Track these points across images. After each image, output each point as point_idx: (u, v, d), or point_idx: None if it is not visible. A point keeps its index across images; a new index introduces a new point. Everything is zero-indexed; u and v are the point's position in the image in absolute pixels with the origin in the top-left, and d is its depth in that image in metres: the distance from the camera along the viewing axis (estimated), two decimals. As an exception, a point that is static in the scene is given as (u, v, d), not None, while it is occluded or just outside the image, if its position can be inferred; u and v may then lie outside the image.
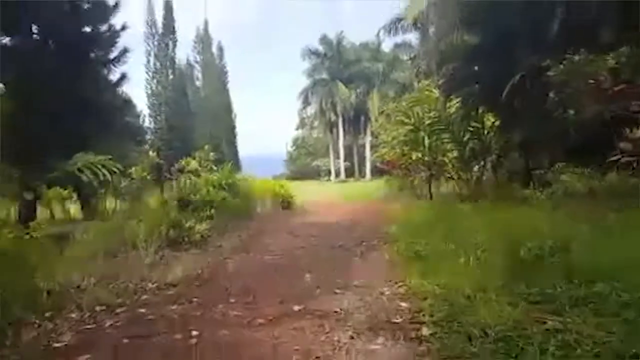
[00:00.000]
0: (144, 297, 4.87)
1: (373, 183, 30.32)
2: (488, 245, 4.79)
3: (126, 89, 38.21)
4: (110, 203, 11.81)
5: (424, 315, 3.72)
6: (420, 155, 15.31)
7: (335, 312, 3.99)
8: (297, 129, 46.37)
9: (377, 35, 35.80)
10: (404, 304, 4.05)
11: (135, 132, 36.02)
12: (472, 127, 14.64)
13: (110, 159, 9.99)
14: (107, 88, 12.70)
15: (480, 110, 13.84)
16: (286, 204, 14.50)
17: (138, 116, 41.93)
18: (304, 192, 19.58)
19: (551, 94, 10.59)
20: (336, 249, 7.06)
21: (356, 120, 37.76)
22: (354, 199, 18.45)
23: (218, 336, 3.65)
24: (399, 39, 29.18)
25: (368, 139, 36.97)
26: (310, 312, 4.00)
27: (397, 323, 3.67)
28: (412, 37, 28.38)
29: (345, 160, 38.21)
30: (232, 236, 8.33)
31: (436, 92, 15.43)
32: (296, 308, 4.15)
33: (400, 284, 4.64)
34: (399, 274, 5.03)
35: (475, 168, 15.11)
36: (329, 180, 37.75)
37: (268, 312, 4.09)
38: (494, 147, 14.26)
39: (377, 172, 36.72)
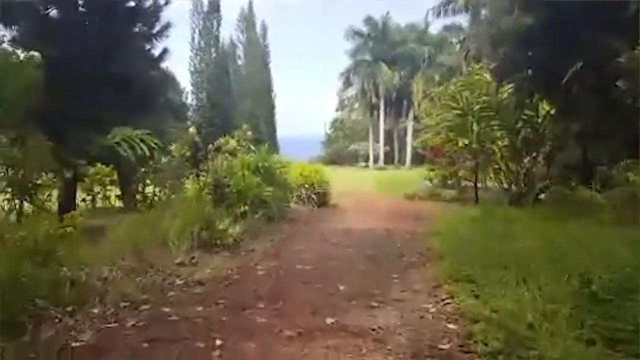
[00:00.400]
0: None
1: (413, 172, 29.37)
2: (551, 271, 4.06)
3: (170, 66, 38.89)
4: (149, 187, 11.56)
5: (476, 342, 3.20)
6: (467, 142, 14.43)
7: (373, 330, 3.54)
8: (336, 110, 45.61)
9: (425, 17, 34.61)
10: (451, 326, 3.55)
11: (177, 108, 36.69)
12: (525, 114, 13.65)
13: (148, 133, 9.74)
14: (149, 63, 12.55)
15: (534, 98, 12.82)
16: (321, 197, 13.95)
17: (181, 93, 42.69)
18: (341, 181, 19.08)
19: (619, 82, 9.53)
20: (373, 262, 6.40)
21: (398, 103, 36.61)
22: (395, 193, 17.71)
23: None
24: (448, 21, 27.78)
25: (410, 123, 35.82)
26: (344, 329, 3.56)
27: (445, 350, 3.18)
28: (462, 20, 26.99)
29: (384, 145, 37.27)
30: (265, 239, 7.87)
31: (487, 77, 14.42)
32: (329, 321, 3.72)
33: (447, 301, 4.12)
34: (445, 291, 4.48)
35: (526, 160, 14.15)
36: (366, 166, 36.97)
37: (298, 323, 3.69)
38: (548, 136, 13.23)
39: (417, 159, 35.68)
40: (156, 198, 10.75)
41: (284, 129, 48.64)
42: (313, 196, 13.76)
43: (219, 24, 42.89)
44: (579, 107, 11.27)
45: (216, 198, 8.37)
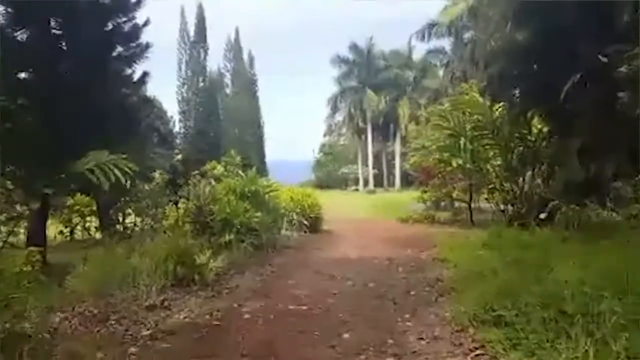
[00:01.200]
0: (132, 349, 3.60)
1: (403, 195, 28.64)
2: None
3: (157, 95, 38.04)
4: (131, 217, 10.56)
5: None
6: (461, 162, 13.71)
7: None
8: (325, 135, 45.13)
9: (409, 42, 34.62)
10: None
11: (164, 136, 35.63)
12: (519, 132, 13.03)
13: (124, 158, 8.75)
14: (128, 86, 11.68)
15: (527, 115, 12.23)
16: (314, 222, 13.06)
17: (168, 122, 41.94)
18: (332, 205, 18.21)
19: (621, 93, 8.90)
20: (378, 298, 5.43)
21: (385, 127, 36.21)
22: (388, 216, 16.85)
23: None
24: (431, 45, 27.65)
25: (397, 146, 35.33)
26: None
27: None
28: (446, 43, 26.85)
29: (373, 168, 36.63)
30: (252, 273, 6.91)
31: (477, 95, 13.85)
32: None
33: (479, 353, 3.20)
34: (472, 338, 3.56)
35: (521, 179, 13.44)
36: (357, 189, 36.20)
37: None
38: (545, 154, 12.59)
39: (406, 181, 35.05)
40: (137, 228, 9.74)
41: (272, 154, 47.92)
42: (305, 222, 12.85)
43: (205, 53, 42.63)
44: (579, 121, 10.66)
45: (197, 227, 7.39)
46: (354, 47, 34.22)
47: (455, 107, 14.55)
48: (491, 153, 14.06)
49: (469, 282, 5.14)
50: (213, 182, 9.43)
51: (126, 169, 8.63)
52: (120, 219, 10.55)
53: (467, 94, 14.09)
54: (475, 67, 22.27)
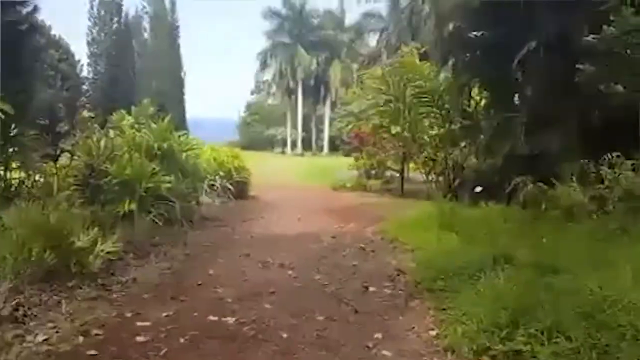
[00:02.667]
0: None
1: (332, 160, 27.65)
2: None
3: (63, 35, 32.85)
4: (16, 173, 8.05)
5: None
6: (399, 129, 12.71)
7: None
8: (252, 93, 42.41)
9: (340, 4, 32.89)
10: None
11: (66, 77, 30.99)
12: (460, 103, 12.28)
13: None
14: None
15: (472, 83, 11.44)
16: (240, 188, 11.42)
17: (74, 65, 36.68)
18: (259, 169, 16.56)
19: (583, 66, 8.17)
20: (330, 301, 4.06)
21: (316, 89, 34.62)
22: (319, 183, 15.59)
23: None
24: (367, 6, 26.12)
25: (327, 110, 34.05)
26: None
27: None
28: (382, 8, 25.51)
29: (302, 131, 35.11)
30: (158, 258, 5.24)
31: (417, 59, 12.78)
32: None
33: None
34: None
35: (456, 150, 12.82)
36: (284, 152, 34.57)
37: None
38: (485, 126, 11.99)
39: (334, 146, 34.10)
40: (24, 186, 7.41)
41: (195, 110, 44.37)
42: (230, 187, 11.15)
43: (121, -9, 37.29)
44: (528, 93, 10.00)
45: (86, 192, 5.47)
46: (286, 1, 31.66)
47: (395, 71, 13.41)
48: (427, 122, 13.27)
49: (444, 280, 3.99)
50: (112, 135, 7.34)
51: (-5, 111, 6.30)
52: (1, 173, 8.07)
53: (409, 56, 12.92)
54: (412, 34, 21.39)
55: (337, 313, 3.69)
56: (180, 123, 36.88)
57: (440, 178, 13.10)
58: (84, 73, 37.48)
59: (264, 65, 33.49)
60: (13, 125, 8.05)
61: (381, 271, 4.87)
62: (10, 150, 7.97)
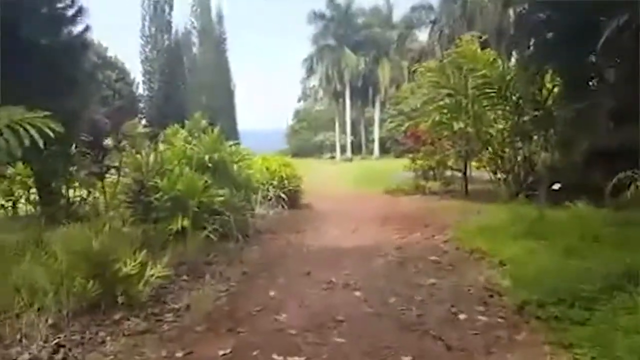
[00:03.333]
0: None
1: (384, 163, 26.76)
2: None
3: (120, 57, 34.46)
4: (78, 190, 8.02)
5: None
6: (462, 125, 11.74)
7: None
8: (299, 100, 42.38)
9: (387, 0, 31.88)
10: None
11: (123, 97, 32.30)
12: (531, 92, 11.14)
13: (46, 116, 6.28)
14: (58, 25, 8.97)
15: (544, 71, 10.29)
16: (293, 196, 11.00)
17: (131, 84, 38.44)
18: (311, 177, 16.09)
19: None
20: (414, 334, 3.33)
21: (364, 91, 33.83)
22: (373, 188, 14.84)
23: None
24: (415, 1, 25.04)
25: (377, 112, 33.18)
26: None
27: None
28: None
29: (351, 135, 34.42)
30: (214, 279, 4.77)
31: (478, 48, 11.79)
32: None
33: None
34: None
35: (526, 147, 11.63)
36: (333, 157, 34.04)
37: None
38: (560, 116, 10.80)
39: (385, 149, 33.12)
40: (87, 204, 7.36)
41: (245, 122, 45.01)
42: (282, 196, 10.74)
43: (170, 8, 38.59)
44: (610, 77, 8.79)
45: (137, 210, 5.17)
46: (331, 2, 31.23)
47: (454, 62, 12.46)
48: (492, 115, 12.19)
49: (556, 304, 3.18)
50: (162, 148, 7.09)
51: (48, 130, 6.18)
52: (64, 191, 8.11)
53: (471, 45, 11.92)
54: (467, 24, 20.17)
55: (424, 350, 2.97)
56: (231, 135, 37.44)
57: (509, 176, 11.97)
58: (140, 91, 39.29)
59: (310, 71, 33.25)
60: (74, 145, 8.07)
61: (468, 291, 4.08)
62: (71, 168, 8.04)
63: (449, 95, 12.56)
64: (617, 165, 8.81)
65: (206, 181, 6.42)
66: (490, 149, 12.28)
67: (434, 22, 23.26)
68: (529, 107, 11.27)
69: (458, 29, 20.42)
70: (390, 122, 33.46)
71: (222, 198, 6.22)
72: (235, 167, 7.10)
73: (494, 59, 11.80)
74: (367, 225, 8.37)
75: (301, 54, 34.78)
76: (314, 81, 36.36)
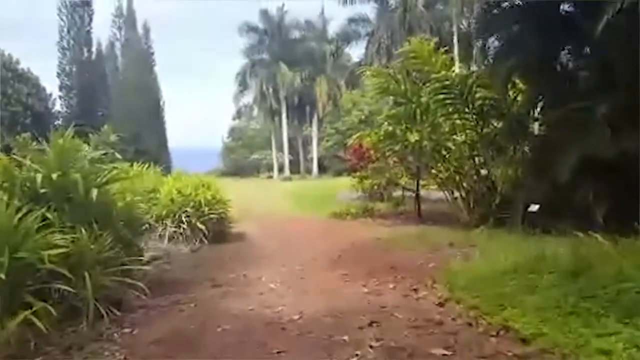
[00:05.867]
0: None
1: (324, 182, 24.48)
2: None
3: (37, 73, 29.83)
4: None
5: None
6: (418, 137, 9.63)
7: None
8: (234, 119, 39.29)
9: (321, 13, 30.16)
10: None
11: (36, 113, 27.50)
12: (493, 98, 9.34)
13: None
14: None
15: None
16: (217, 226, 8.28)
17: (47, 99, 33.55)
18: (245, 196, 13.28)
19: None
20: None
21: (300, 108, 31.68)
22: (317, 211, 12.38)
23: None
24: (353, 11, 23.33)
25: (314, 129, 31.10)
26: None
27: None
28: (368, 10, 22.74)
29: (288, 154, 31.94)
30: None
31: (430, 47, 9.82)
32: None
33: None
34: None
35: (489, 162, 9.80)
36: (270, 177, 31.31)
37: None
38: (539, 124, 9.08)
39: (323, 168, 31.00)
40: None
41: (177, 140, 40.83)
42: (200, 226, 7.90)
43: (90, 19, 34.29)
44: (612, 76, 7.04)
45: None
46: (264, 14, 28.91)
47: (405, 66, 10.46)
48: (448, 126, 10.24)
49: None
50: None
51: None
52: None
53: (421, 44, 9.90)
54: (406, 34, 18.67)
55: None
56: (161, 152, 33.50)
57: (469, 196, 10.00)
58: (57, 107, 34.29)
59: (243, 85, 30.43)
60: None
61: None
62: None
63: (398, 103, 10.52)
64: (611, 182, 7.09)
65: (44, 219, 3.54)
66: (448, 164, 10.31)
67: (371, 34, 21.68)
68: (494, 115, 9.47)
69: (397, 40, 18.90)
70: (327, 140, 31.63)
71: (61, 250, 3.35)
72: (94, 192, 4.19)
73: (451, 61, 9.98)
74: (317, 269, 5.83)
75: (235, 68, 31.80)
76: (248, 97, 33.62)
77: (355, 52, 26.55)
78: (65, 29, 34.12)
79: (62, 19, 34.34)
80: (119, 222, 4.38)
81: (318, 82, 29.32)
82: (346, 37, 24.15)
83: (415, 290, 4.46)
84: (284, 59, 28.94)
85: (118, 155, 13.42)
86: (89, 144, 14.69)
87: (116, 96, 34.67)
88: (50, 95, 33.56)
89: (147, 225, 4.94)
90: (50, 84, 32.90)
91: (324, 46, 28.63)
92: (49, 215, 3.74)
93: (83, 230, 3.83)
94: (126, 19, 37.04)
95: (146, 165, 9.06)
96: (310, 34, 29.83)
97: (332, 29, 28.73)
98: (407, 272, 5.23)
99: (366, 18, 22.27)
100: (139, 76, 35.64)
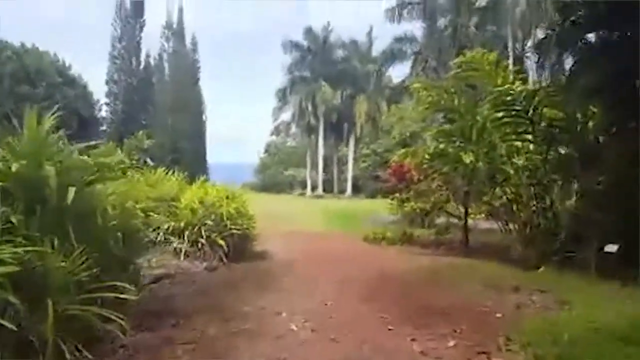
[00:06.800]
0: None
1: (359, 202, 23.31)
2: None
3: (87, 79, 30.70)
4: None
5: None
6: (472, 158, 8.37)
7: None
8: (271, 134, 38.99)
9: (369, 33, 29.50)
10: None
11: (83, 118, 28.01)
12: (561, 119, 8.03)
13: None
14: None
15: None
16: (238, 243, 7.33)
17: (92, 106, 34.32)
18: (275, 216, 12.34)
19: None
20: None
21: (339, 126, 30.81)
22: (349, 232, 11.27)
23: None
24: (400, 30, 22.43)
25: (351, 148, 30.11)
26: None
27: None
28: (415, 28, 21.72)
29: (323, 172, 31.02)
30: None
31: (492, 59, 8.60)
32: None
33: None
34: None
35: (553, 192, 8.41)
36: (303, 194, 30.44)
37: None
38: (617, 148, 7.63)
39: (357, 188, 29.88)
40: None
41: (215, 154, 40.89)
42: (221, 242, 6.95)
43: (141, 30, 35.25)
44: None
45: None
46: (308, 32, 28.53)
47: (461, 78, 9.31)
48: (505, 149, 8.90)
49: None
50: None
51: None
52: None
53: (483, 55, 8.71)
54: (456, 52, 17.55)
55: None
56: (198, 165, 33.44)
57: (526, 229, 8.57)
58: (102, 113, 35.16)
59: (283, 101, 29.99)
60: None
61: None
62: None
63: (450, 120, 9.35)
64: None
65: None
66: (503, 191, 8.97)
67: (418, 53, 20.65)
68: (562, 139, 8.11)
69: (445, 61, 17.76)
70: (363, 161, 30.60)
71: (10, 269, 2.41)
72: (88, 194, 3.28)
73: (516, 74, 8.76)
74: (350, 305, 4.71)
75: (275, 85, 31.54)
76: (286, 113, 33.17)
77: (398, 73, 25.57)
78: (117, 39, 35.25)
79: (115, 29, 35.56)
80: (111, 233, 3.45)
81: (358, 101, 28.45)
82: (391, 56, 23.25)
83: (486, 354, 3.24)
84: (325, 77, 28.32)
85: (150, 161, 12.80)
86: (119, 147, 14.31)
87: (160, 106, 35.18)
88: (97, 101, 34.49)
89: (151, 240, 4.00)
90: (97, 91, 33.62)
91: (367, 65, 27.84)
92: (13, 219, 2.84)
93: (55, 242, 2.90)
94: (175, 31, 37.86)
95: (170, 172, 8.28)
96: (353, 54, 29.16)
97: (377, 48, 27.99)
98: (467, 322, 4.01)
99: (413, 37, 21.34)
100: (184, 89, 36.09)
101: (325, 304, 4.83)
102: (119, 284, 3.13)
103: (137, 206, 4.37)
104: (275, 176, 35.23)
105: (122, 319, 3.08)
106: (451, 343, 3.48)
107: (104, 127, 34.73)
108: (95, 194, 3.47)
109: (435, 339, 3.57)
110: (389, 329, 3.88)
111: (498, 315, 4.24)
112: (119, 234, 3.73)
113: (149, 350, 3.26)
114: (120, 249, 3.66)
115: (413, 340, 3.55)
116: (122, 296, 3.08)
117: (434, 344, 3.47)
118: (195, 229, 6.99)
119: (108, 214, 3.48)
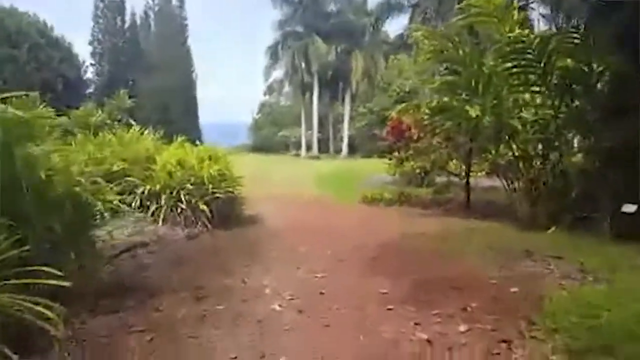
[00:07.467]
0: None
1: (355, 162, 22.60)
2: None
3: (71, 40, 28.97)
4: None
5: None
6: (479, 112, 7.57)
7: None
8: (265, 94, 37.59)
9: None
10: None
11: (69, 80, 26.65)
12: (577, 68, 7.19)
13: None
14: None
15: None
16: (226, 207, 6.69)
17: (79, 67, 32.73)
18: (267, 175, 11.67)
19: None
20: None
21: (334, 84, 29.57)
22: (346, 194, 10.61)
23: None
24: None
25: (347, 107, 29.05)
26: None
27: None
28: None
29: (318, 132, 30.08)
30: None
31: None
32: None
33: None
34: None
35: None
36: (297, 155, 29.64)
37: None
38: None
39: (353, 148, 29.08)
40: None
41: (208, 114, 39.66)
42: (203, 206, 6.29)
43: (125, -14, 33.07)
44: None
45: None
46: (300, -15, 26.69)
47: (466, 24, 8.36)
48: (512, 102, 8.10)
49: None
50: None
51: None
52: None
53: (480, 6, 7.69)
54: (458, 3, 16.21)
55: None
56: (189, 125, 32.28)
57: (533, 188, 7.93)
58: (88, 75, 33.62)
59: (274, 58, 28.48)
60: None
61: None
62: None
63: (453, 72, 8.47)
64: None
65: None
66: (512, 147, 8.26)
67: (415, 5, 19.25)
68: (578, 91, 7.31)
69: (445, 11, 16.45)
70: (359, 120, 29.57)
71: None
72: (9, 155, 2.55)
73: (524, 19, 7.84)
74: (344, 279, 4.11)
75: (266, 41, 29.88)
76: (279, 73, 31.70)
77: (395, 27, 24.05)
78: (98, -3, 33.15)
79: (97, -14, 33.38)
80: (48, 204, 2.75)
81: (354, 56, 27.08)
82: (387, 8, 21.74)
83: (506, 342, 2.65)
84: (318, 32, 26.78)
85: (132, 121, 11.84)
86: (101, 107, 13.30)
87: (147, 66, 33.54)
88: (83, 62, 32.86)
89: (103, 209, 3.30)
90: (83, 53, 31.99)
91: (362, 18, 26.22)
92: None
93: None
94: (160, -14, 35.57)
95: (144, 130, 7.49)
96: (348, 7, 27.44)
97: (372, 1, 26.24)
98: (478, 299, 3.42)
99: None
100: (172, 48, 34.29)
101: (318, 276, 4.24)
102: (46, 269, 2.45)
103: (92, 170, 3.63)
104: (269, 137, 34.29)
105: (60, 307, 2.44)
106: (462, 328, 2.89)
107: (91, 90, 33.34)
108: (25, 157, 2.73)
109: (444, 323, 2.98)
110: (388, 309, 3.28)
111: (513, 289, 3.65)
112: (64, 204, 3.03)
113: (96, 342, 2.65)
114: (64, 222, 2.97)
115: (417, 325, 2.95)
116: (50, 282, 2.41)
117: (443, 330, 2.88)
118: (174, 193, 6.32)
119: (43, 181, 2.76)
